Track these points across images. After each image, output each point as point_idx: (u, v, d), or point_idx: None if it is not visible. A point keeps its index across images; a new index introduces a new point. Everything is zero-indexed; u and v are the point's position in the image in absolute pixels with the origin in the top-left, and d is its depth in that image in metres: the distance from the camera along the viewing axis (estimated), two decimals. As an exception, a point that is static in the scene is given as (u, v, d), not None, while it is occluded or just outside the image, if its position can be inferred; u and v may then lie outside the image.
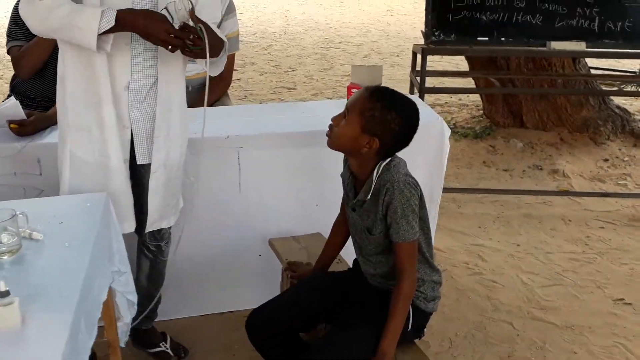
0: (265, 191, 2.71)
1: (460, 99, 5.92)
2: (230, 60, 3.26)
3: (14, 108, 2.47)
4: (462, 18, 3.53)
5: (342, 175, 2.08)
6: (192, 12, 1.89)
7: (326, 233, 2.43)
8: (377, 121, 1.81)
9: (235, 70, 7.17)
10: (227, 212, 2.70)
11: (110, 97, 2.03)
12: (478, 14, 3.52)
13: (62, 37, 1.98)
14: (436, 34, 3.52)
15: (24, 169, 2.44)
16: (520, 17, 3.51)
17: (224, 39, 2.12)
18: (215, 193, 2.66)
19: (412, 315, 1.92)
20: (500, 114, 4.98)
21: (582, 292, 2.98)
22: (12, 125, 2.45)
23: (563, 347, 2.58)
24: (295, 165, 2.71)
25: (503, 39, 3.55)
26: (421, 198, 1.89)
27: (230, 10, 3.14)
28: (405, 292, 1.84)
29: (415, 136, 2.76)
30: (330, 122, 1.90)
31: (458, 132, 4.97)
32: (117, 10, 1.87)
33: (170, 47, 1.89)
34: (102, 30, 1.86)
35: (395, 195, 1.83)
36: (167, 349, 2.57)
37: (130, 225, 2.19)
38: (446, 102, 5.81)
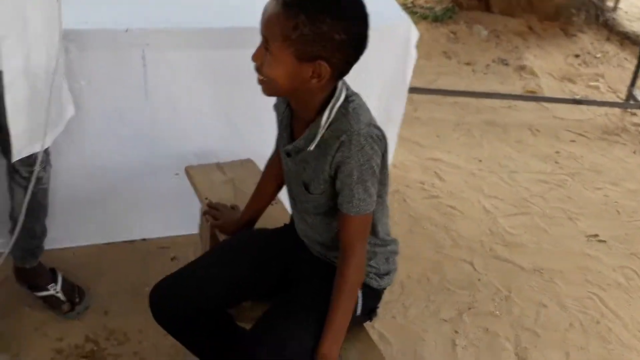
0: (180, 101, 2.12)
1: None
2: None
3: None
4: None
5: (275, 106, 1.51)
6: None
7: (259, 161, 1.90)
8: (311, 39, 1.22)
9: None
10: (130, 123, 2.11)
11: None
12: None
13: None
14: None
15: None
16: None
17: None
18: (113, 99, 2.06)
19: (362, 297, 1.46)
20: (464, -6, 4.35)
21: (551, 225, 2.61)
22: None
23: (531, 297, 2.23)
24: (221, 70, 2.09)
25: None
26: (384, 155, 1.37)
27: None
28: (351, 280, 1.36)
29: (372, 40, 2.20)
30: (253, 63, 1.29)
31: (416, 13, 4.34)
32: None
33: None
34: None
35: (352, 152, 1.29)
36: (58, 292, 2.05)
37: None
38: (402, -26, 5.10)
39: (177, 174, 2.16)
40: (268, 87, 1.31)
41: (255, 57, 1.28)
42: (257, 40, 1.30)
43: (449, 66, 3.82)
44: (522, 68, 3.84)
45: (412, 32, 2.23)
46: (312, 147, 1.34)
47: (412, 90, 3.38)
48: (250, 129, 2.19)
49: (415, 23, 4.18)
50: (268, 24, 1.24)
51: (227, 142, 2.19)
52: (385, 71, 2.27)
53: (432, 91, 3.40)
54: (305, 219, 1.49)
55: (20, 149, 1.68)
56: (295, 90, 1.30)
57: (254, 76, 1.35)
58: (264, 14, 1.26)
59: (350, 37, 1.24)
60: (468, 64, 3.86)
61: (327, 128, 1.32)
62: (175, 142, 2.15)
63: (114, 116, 2.06)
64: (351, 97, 1.36)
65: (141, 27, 1.97)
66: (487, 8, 4.34)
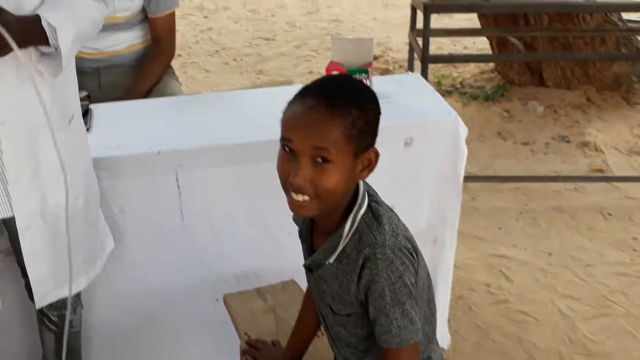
0: (217, 221, 1.99)
1: (465, 47, 5.10)
2: (170, 20, 2.49)
3: None
4: (475, -39, 2.70)
5: (294, 217, 1.37)
6: None
7: (303, 280, 1.74)
8: (366, 130, 1.14)
9: (206, 17, 6.29)
10: (168, 249, 1.98)
11: None
12: (496, -45, 2.69)
13: None
14: (443, -16, 2.69)
15: None
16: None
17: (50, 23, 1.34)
18: (149, 225, 1.95)
19: None
20: (515, 70, 4.18)
21: (638, 326, 2.31)
22: None
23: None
24: (258, 183, 1.97)
25: (530, -13, 2.73)
26: (417, 272, 1.19)
27: None
28: None
29: (419, 138, 2.03)
30: (297, 189, 1.14)
31: (466, 93, 4.20)
32: None
33: None
34: None
35: (380, 269, 1.12)
36: None
37: None
38: (449, 53, 5.00)
39: (217, 300, 2.02)
40: (322, 204, 1.15)
41: (302, 176, 1.12)
42: None
43: (505, 148, 3.61)
44: (585, 144, 3.59)
45: (460, 127, 2.06)
46: (331, 260, 1.19)
47: (468, 178, 3.18)
48: (291, 245, 2.03)
49: (466, 104, 4.10)
50: (321, 131, 1.11)
51: (269, 260, 2.04)
52: (436, 168, 2.10)
53: (489, 178, 3.19)
54: (339, 347, 1.30)
55: (43, 295, 1.57)
56: (343, 193, 1.18)
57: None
58: (307, 124, 1.12)
59: (379, 116, 1.18)
60: (526, 143, 3.64)
61: (349, 237, 1.18)
62: (215, 264, 2.01)
63: (150, 243, 1.95)
64: (374, 203, 1.21)
65: (174, 148, 1.88)
66: (541, 82, 4.14)
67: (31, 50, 1.33)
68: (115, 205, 1.90)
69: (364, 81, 2.05)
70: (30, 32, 1.30)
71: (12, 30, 1.22)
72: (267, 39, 5.61)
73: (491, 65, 4.50)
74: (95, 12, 1.43)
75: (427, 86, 2.21)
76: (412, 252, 1.17)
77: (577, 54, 3.71)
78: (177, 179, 1.91)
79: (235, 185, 1.95)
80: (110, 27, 2.37)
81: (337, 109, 1.11)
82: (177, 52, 2.64)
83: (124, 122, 2.03)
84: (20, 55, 1.23)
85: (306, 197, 1.14)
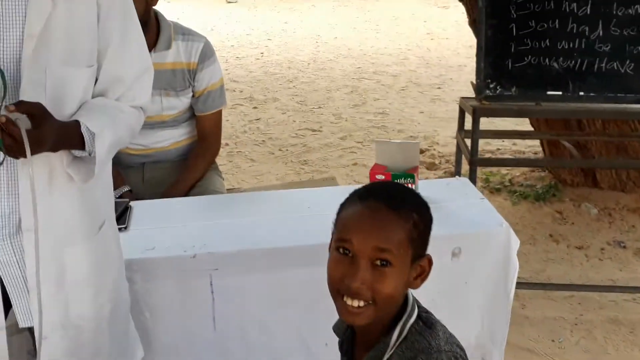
0: (250, 328, 1.90)
1: (514, 144, 5.02)
2: (216, 118, 2.49)
3: None
4: (526, 66, 2.65)
5: (335, 327, 1.33)
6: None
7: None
8: (423, 236, 1.17)
9: (256, 108, 6.42)
10: (197, 358, 1.89)
11: None
12: (548, 61, 2.64)
13: None
14: (491, 86, 2.65)
15: None
16: (605, 65, 2.62)
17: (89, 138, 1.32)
18: (180, 333, 1.88)
19: None
20: (567, 170, 4.05)
21: None
22: None
23: None
24: (294, 291, 1.89)
25: (582, 93, 2.65)
26: None
27: (205, 56, 2.36)
28: None
29: (468, 249, 1.94)
30: (354, 293, 1.11)
31: (515, 192, 4.07)
32: None
33: None
34: None
35: None
36: None
37: None
38: (498, 149, 4.92)
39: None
40: (379, 311, 1.11)
41: (360, 279, 1.09)
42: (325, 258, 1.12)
43: (557, 252, 3.44)
44: (644, 251, 3.40)
45: (512, 240, 1.95)
46: None
47: (519, 284, 3.02)
48: (329, 356, 1.92)
49: (515, 203, 3.96)
50: (385, 233, 1.10)
51: (305, 370, 1.92)
52: (486, 281, 1.98)
53: (542, 285, 3.02)
54: None
55: None
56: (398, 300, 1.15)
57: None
58: (372, 225, 1.10)
59: (431, 224, 1.19)
60: (580, 247, 3.47)
61: (396, 347, 1.12)
62: (247, 376, 1.91)
63: (180, 351, 1.87)
64: (424, 313, 1.14)
65: (209, 251, 1.83)
66: (595, 184, 4.00)
67: (63, 154, 1.31)
68: (146, 309, 1.84)
69: (409, 186, 1.98)
70: (68, 137, 1.28)
71: (49, 135, 1.20)
72: (314, 130, 5.65)
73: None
74: (133, 119, 1.42)
75: (476, 192, 2.13)
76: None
77: (633, 162, 3.57)
78: (211, 284, 1.84)
79: (269, 292, 1.87)
80: (157, 124, 2.40)
81: (401, 212, 1.11)
82: (224, 141, 2.64)
83: (162, 221, 2.00)
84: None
85: (362, 303, 1.10)
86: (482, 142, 4.75)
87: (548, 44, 2.65)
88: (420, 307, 1.21)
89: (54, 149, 1.24)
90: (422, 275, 1.16)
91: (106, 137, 1.30)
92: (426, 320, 1.17)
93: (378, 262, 1.09)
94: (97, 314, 1.48)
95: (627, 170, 3.86)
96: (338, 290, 1.13)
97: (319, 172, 4.74)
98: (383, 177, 2.01)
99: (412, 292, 1.22)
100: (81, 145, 1.28)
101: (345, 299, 1.11)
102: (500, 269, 1.93)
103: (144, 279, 1.81)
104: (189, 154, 2.54)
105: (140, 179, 2.49)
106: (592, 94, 2.64)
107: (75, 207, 1.36)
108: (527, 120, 4.03)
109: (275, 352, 1.92)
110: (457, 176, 2.43)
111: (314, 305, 1.87)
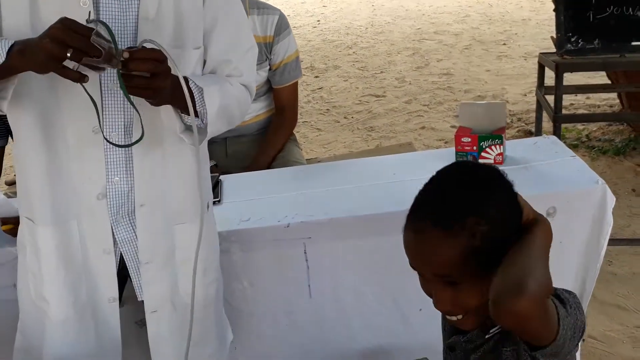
0: (344, 294, 1.94)
1: (588, 97, 4.86)
2: (293, 90, 2.52)
3: (4, 205, 1.84)
4: (608, 17, 2.55)
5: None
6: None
7: (435, 354, 1.64)
8: (494, 232, 1.00)
9: (317, 77, 6.42)
10: (295, 325, 1.96)
11: (79, 211, 1.38)
12: (631, 10, 2.53)
13: None
14: (573, 40, 2.56)
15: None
16: (693, 9, 2.50)
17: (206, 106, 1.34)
18: (278, 300, 1.93)
19: None
20: (648, 123, 3.90)
21: None
22: (4, 227, 1.85)
23: None
24: (387, 257, 1.90)
25: (671, 41, 2.54)
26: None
27: (281, 29, 2.38)
28: None
29: (563, 208, 1.89)
30: (444, 310, 1.09)
31: (594, 148, 3.96)
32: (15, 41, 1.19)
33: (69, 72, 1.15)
34: None
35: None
36: None
37: None
38: (571, 104, 4.77)
39: (345, 380, 1.95)
40: (477, 316, 1.06)
41: (442, 304, 1.06)
42: None
43: (642, 206, 3.35)
44: None
45: (608, 197, 1.91)
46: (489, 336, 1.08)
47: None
48: (423, 321, 1.94)
49: (594, 158, 3.86)
50: (436, 259, 1.02)
51: (399, 338, 1.95)
52: (580, 240, 1.95)
53: (628, 241, 2.95)
54: None
55: None
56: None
57: None
58: (420, 254, 1.05)
59: (507, 208, 1.04)
60: (665, 201, 3.36)
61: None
62: (342, 342, 1.95)
63: (277, 318, 1.93)
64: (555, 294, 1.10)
65: (302, 221, 1.86)
66: (677, 134, 3.85)
67: (176, 122, 1.33)
68: (245, 278, 1.90)
69: (499, 147, 1.96)
70: (177, 91, 1.24)
71: (168, 82, 1.21)
72: (377, 96, 5.62)
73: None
74: (240, 94, 1.44)
75: (566, 150, 2.09)
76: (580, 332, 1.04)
77: None
78: (305, 252, 1.88)
79: (363, 258, 1.90)
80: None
81: (447, 226, 0.99)
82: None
83: (253, 193, 2.04)
84: (181, 80, 1.21)
85: (460, 316, 1.08)
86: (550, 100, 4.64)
87: (632, -9, 2.53)
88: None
89: (173, 101, 1.25)
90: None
91: (215, 97, 1.32)
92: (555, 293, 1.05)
93: (447, 281, 1.03)
94: (205, 292, 1.53)
95: None
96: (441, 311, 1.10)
97: (386, 137, 4.73)
98: (469, 139, 1.99)
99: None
100: (187, 106, 1.26)
101: (445, 315, 1.10)
102: (595, 227, 1.89)
103: (241, 249, 1.86)
104: (268, 126, 2.58)
105: (224, 154, 2.54)
106: (680, 42, 2.53)
107: (187, 185, 1.41)
108: (599, 74, 3.89)
109: (369, 317, 1.95)
110: (543, 135, 2.38)
111: (407, 271, 1.89)
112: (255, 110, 2.54)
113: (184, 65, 1.35)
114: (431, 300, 1.23)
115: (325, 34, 8.04)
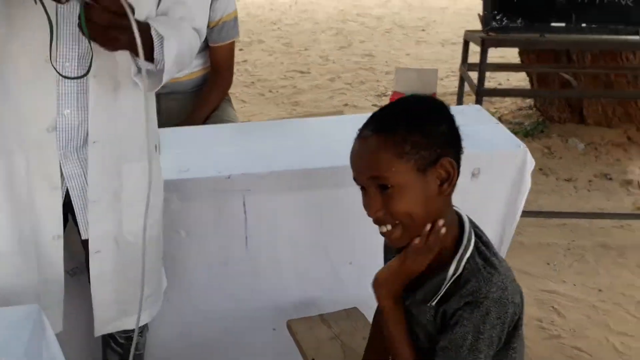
0: (280, 246, 1.99)
1: (499, 84, 5.13)
2: (229, 49, 2.53)
3: None
4: (531, -4, 2.73)
5: (385, 246, 1.36)
6: None
7: (364, 307, 1.74)
8: (423, 142, 1.11)
9: (241, 50, 6.39)
10: (230, 275, 1.99)
11: (26, 142, 1.35)
12: (552, -8, 2.73)
13: None
14: (498, 18, 2.72)
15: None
16: (606, -3, 2.72)
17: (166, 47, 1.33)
18: (214, 250, 1.96)
19: None
20: (555, 107, 4.19)
21: (697, 366, 2.26)
22: None
23: None
24: (320, 211, 1.98)
25: (584, 25, 2.75)
26: (520, 316, 1.18)
27: None
28: None
29: (487, 169, 2.03)
30: (377, 221, 1.16)
31: (505, 129, 4.20)
32: None
33: None
34: None
35: (473, 317, 1.11)
36: None
37: (57, 327, 1.49)
38: (488, 82, 5.02)
39: (274, 329, 2.02)
40: (405, 230, 1.14)
41: (373, 208, 1.13)
42: (350, 178, 1.19)
43: (547, 184, 3.60)
44: (629, 182, 3.57)
45: (528, 160, 2.07)
46: (433, 303, 1.17)
47: (514, 213, 3.18)
48: (353, 274, 2.03)
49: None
50: (370, 161, 1.13)
51: (329, 290, 2.04)
52: (502, 200, 2.10)
53: (536, 213, 3.18)
54: None
55: (104, 323, 1.57)
56: (431, 215, 1.14)
57: (355, 216, 1.23)
58: (360, 157, 1.15)
59: (448, 125, 1.16)
60: (568, 180, 3.63)
61: (452, 280, 1.16)
62: (275, 293, 2.01)
63: (213, 268, 1.96)
64: (483, 245, 1.19)
65: (243, 172, 1.90)
66: (581, 120, 4.15)
67: (131, 64, 1.34)
68: (182, 228, 1.91)
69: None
70: (141, 35, 1.21)
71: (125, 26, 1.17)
72: (302, 72, 5.68)
73: (529, 101, 4.52)
74: (192, 38, 1.46)
75: (490, 118, 2.23)
76: (516, 309, 1.14)
77: (619, 92, 3.72)
78: (244, 204, 1.92)
79: (299, 212, 1.96)
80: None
81: (381, 133, 1.12)
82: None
83: (191, 146, 2.05)
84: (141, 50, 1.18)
85: (389, 227, 1.15)
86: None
87: (552, -24, 2.73)
88: (479, 235, 1.21)
89: (129, 46, 1.22)
90: (448, 179, 1.13)
91: (173, 44, 1.33)
92: (484, 256, 1.16)
93: (381, 188, 1.12)
94: (149, 232, 1.54)
95: (612, 107, 4.02)
96: (373, 220, 1.17)
97: (311, 113, 4.80)
98: (402, 102, 2.09)
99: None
100: (149, 51, 1.29)
101: (380, 228, 1.16)
102: (515, 187, 2.04)
103: (180, 198, 1.87)
104: (203, 85, 2.58)
105: (157, 111, 2.51)
106: (593, 26, 2.74)
107: (138, 124, 1.41)
108: (512, 55, 4.12)
109: (302, 269, 2.02)
110: (469, 104, 2.52)
111: (341, 225, 1.98)
112: (190, 68, 2.53)
113: (142, 3, 1.34)
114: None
115: (249, 8, 8.00)
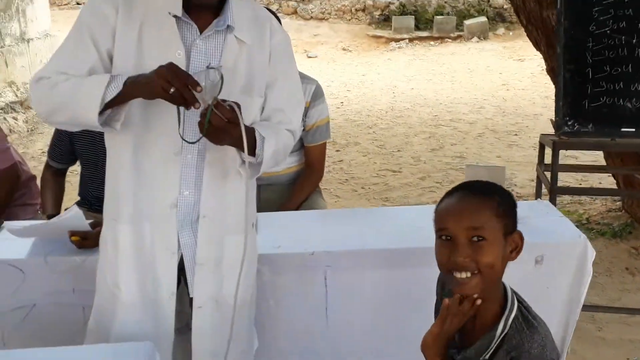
0: (357, 319, 2.23)
1: (586, 180, 5.18)
2: (321, 149, 2.88)
3: (77, 219, 2.14)
4: (601, 105, 2.93)
5: (440, 284, 1.60)
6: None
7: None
8: (509, 212, 1.42)
9: (338, 151, 6.84)
10: (311, 343, 2.24)
11: (154, 215, 1.71)
12: (622, 101, 2.92)
13: (65, 120, 1.65)
14: (569, 123, 2.94)
15: (84, 286, 2.10)
16: (676, 103, 2.87)
17: (263, 147, 1.69)
18: (298, 319, 2.22)
19: None
20: (643, 209, 4.21)
21: None
22: (73, 238, 2.15)
23: None
24: (395, 288, 2.21)
25: (655, 129, 2.91)
26: None
27: (316, 96, 2.77)
28: None
29: (550, 257, 2.18)
30: (460, 267, 1.39)
31: (593, 229, 4.25)
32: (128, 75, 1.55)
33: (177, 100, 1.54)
34: (109, 98, 1.53)
35: None
36: None
37: None
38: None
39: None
40: (485, 279, 1.37)
41: (463, 254, 1.37)
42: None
43: (633, 283, 3.60)
44: None
45: (589, 250, 2.21)
46: (486, 357, 1.35)
47: (595, 308, 3.24)
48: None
49: (593, 239, 4.15)
50: (474, 213, 1.38)
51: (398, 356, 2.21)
52: (564, 287, 2.23)
53: (618, 309, 3.20)
54: None
55: None
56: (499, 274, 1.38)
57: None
58: (461, 209, 1.40)
59: (516, 206, 1.44)
60: (655, 281, 3.62)
61: (500, 339, 1.36)
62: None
63: (296, 336, 2.20)
64: (525, 309, 1.39)
65: (325, 250, 2.17)
66: (670, 222, 4.14)
67: (236, 156, 1.68)
68: (271, 297, 2.19)
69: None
70: (248, 136, 1.59)
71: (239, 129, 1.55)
72: (394, 171, 5.99)
73: (618, 203, 4.56)
74: (288, 138, 1.80)
75: (556, 212, 2.41)
76: None
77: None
78: (325, 278, 2.18)
79: (377, 288, 2.19)
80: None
81: (483, 195, 1.40)
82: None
83: (284, 227, 2.37)
84: (244, 137, 1.53)
85: (469, 274, 1.37)
86: (560, 184, 4.96)
87: (622, 85, 2.92)
88: (520, 300, 1.44)
89: (236, 143, 1.58)
90: (516, 249, 1.41)
91: (271, 143, 1.68)
92: (525, 318, 1.38)
93: (475, 239, 1.35)
94: (243, 294, 1.83)
95: (701, 209, 4.00)
96: (448, 269, 1.39)
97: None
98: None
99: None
100: (252, 148, 1.65)
101: (455, 273, 1.38)
102: (577, 276, 2.18)
103: (271, 271, 2.17)
104: (297, 178, 2.93)
105: (258, 199, 2.88)
106: (662, 131, 2.89)
107: (241, 203, 1.75)
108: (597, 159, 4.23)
109: (375, 340, 2.22)
110: (538, 200, 2.70)
111: (414, 302, 2.18)
112: (287, 164, 2.90)
113: (249, 109, 1.70)
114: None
115: (348, 114, 8.52)
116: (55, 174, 2.73)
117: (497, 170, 2.32)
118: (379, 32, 13.80)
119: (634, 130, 2.92)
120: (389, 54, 12.88)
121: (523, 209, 2.47)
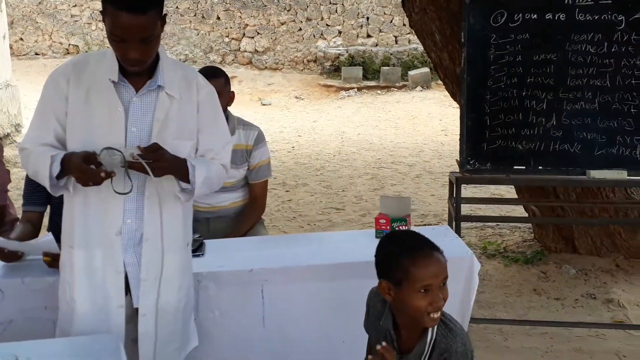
0: (290, 326, 2.66)
1: (507, 212, 5.78)
2: (263, 185, 3.35)
3: (49, 243, 2.54)
4: (497, 147, 3.51)
5: (382, 324, 1.97)
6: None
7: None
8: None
9: (288, 191, 7.33)
10: (250, 348, 2.65)
11: (102, 242, 2.13)
12: (514, 143, 3.50)
13: (40, 182, 2.12)
14: (471, 162, 3.50)
15: (55, 303, 2.47)
16: (557, 146, 3.47)
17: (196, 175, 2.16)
18: (238, 328, 2.63)
19: None
20: (551, 239, 4.81)
21: None
22: (45, 258, 2.53)
23: None
24: (321, 299, 2.66)
25: (540, 167, 3.49)
26: None
27: (259, 140, 3.26)
28: None
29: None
30: (439, 308, 1.83)
31: (508, 257, 4.81)
32: (64, 154, 2.03)
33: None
34: (54, 174, 2.02)
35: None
36: None
37: None
38: (497, 224, 5.68)
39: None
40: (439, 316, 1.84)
41: (443, 300, 1.83)
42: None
43: (538, 301, 4.14)
44: (610, 301, 4.07)
45: (475, 263, 2.71)
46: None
47: (501, 321, 3.75)
48: (345, 347, 2.65)
49: (507, 265, 4.72)
50: (445, 267, 1.86)
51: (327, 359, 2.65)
52: (454, 294, 2.71)
53: (521, 322, 3.71)
54: None
55: None
56: None
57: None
58: (438, 266, 1.84)
59: None
60: (557, 299, 4.16)
61: (431, 344, 1.82)
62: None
63: (237, 342, 2.62)
64: (451, 320, 1.86)
65: (261, 266, 2.62)
66: (575, 250, 4.73)
67: (174, 184, 2.13)
68: (216, 309, 2.61)
69: (404, 227, 2.80)
70: (179, 166, 2.10)
71: (169, 160, 2.04)
72: (337, 209, 6.49)
73: (532, 234, 5.15)
74: (220, 170, 2.26)
75: (453, 234, 2.92)
76: (473, 356, 1.82)
77: (601, 220, 4.35)
78: (262, 291, 2.63)
79: (306, 299, 2.63)
80: (221, 188, 3.25)
81: (438, 250, 1.87)
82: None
83: (228, 251, 2.82)
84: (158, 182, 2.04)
85: (439, 312, 1.82)
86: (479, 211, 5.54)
87: (514, 130, 3.52)
88: (445, 315, 1.87)
89: (174, 172, 2.06)
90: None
91: (202, 171, 2.13)
92: (446, 324, 1.84)
93: (442, 284, 1.81)
94: (177, 304, 2.25)
95: (600, 238, 4.60)
96: (427, 312, 1.79)
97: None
98: (384, 220, 2.83)
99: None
100: (186, 176, 2.10)
101: (432, 314, 1.79)
102: (467, 285, 2.68)
103: (215, 286, 2.60)
104: (242, 211, 3.39)
105: (207, 230, 3.32)
106: (548, 168, 3.48)
107: (178, 227, 2.19)
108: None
109: (307, 344, 2.66)
110: (439, 224, 3.22)
111: (337, 311, 2.64)
112: (233, 198, 3.36)
113: (181, 149, 2.14)
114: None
115: (298, 157, 9.06)
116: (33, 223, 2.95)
117: (404, 200, 2.82)
118: (329, 82, 14.57)
119: (524, 167, 3.50)
120: (339, 102, 13.59)
121: (427, 232, 3.04)
